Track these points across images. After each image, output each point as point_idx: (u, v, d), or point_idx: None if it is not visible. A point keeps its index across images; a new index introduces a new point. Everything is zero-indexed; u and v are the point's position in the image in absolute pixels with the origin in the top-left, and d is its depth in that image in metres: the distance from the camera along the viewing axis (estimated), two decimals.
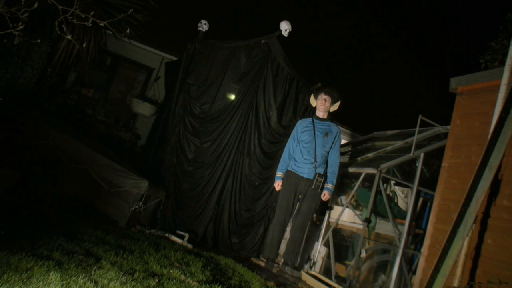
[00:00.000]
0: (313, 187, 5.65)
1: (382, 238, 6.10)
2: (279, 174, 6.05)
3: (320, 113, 6.04)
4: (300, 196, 5.91)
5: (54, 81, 7.58)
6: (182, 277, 3.82)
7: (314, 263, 6.07)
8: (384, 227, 5.88)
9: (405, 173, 6.36)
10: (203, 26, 7.74)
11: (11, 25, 3.13)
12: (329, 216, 6.26)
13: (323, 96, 5.99)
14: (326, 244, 6.07)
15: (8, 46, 6.07)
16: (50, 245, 3.61)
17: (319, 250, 6.08)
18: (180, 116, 7.39)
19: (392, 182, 6.53)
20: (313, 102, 6.22)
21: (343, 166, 6.41)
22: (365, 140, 8.34)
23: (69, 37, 3.73)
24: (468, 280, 4.09)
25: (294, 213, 5.98)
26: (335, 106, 6.02)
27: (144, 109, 9.03)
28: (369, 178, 5.99)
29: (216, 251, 6.35)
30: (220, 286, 3.87)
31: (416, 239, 5.97)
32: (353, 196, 6.13)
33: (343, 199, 6.49)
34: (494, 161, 3.92)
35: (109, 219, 5.90)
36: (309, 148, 5.84)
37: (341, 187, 6.95)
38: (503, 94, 4.28)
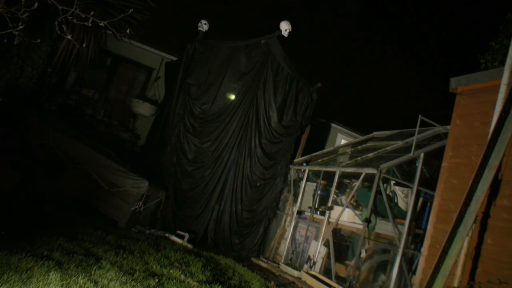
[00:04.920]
0: None
1: (382, 238, 6.09)
2: None
3: None
4: None
5: (54, 81, 7.57)
6: (182, 277, 3.82)
7: (314, 263, 6.07)
8: (384, 227, 5.87)
9: (405, 173, 6.36)
10: (203, 26, 7.74)
11: (11, 25, 3.13)
12: (329, 216, 6.26)
13: None
14: (326, 244, 6.07)
15: (8, 46, 6.06)
16: (50, 245, 3.61)
17: (319, 250, 6.08)
18: (180, 116, 7.39)
19: (392, 182, 6.53)
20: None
21: (343, 166, 6.42)
22: (365, 140, 8.34)
23: (69, 37, 3.73)
24: (468, 280, 4.09)
25: None
26: None
27: (144, 109, 9.03)
28: (369, 178, 5.99)
29: (216, 251, 6.35)
30: (220, 286, 3.87)
31: (416, 239, 5.96)
32: (353, 196, 6.13)
33: (343, 199, 6.49)
34: (494, 161, 3.92)
35: (109, 219, 5.89)
36: None
37: (341, 187, 6.95)
38: (503, 94, 4.28)
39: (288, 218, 7.44)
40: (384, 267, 5.95)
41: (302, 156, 8.04)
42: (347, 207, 6.07)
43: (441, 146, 5.79)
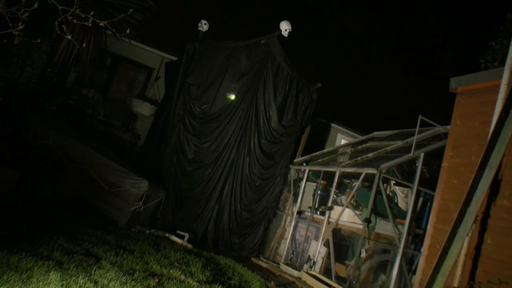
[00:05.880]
0: None
1: (382, 238, 6.09)
2: None
3: None
4: None
5: (54, 81, 7.56)
6: (182, 277, 3.82)
7: (314, 263, 6.07)
8: (384, 227, 5.87)
9: (405, 173, 6.36)
10: (203, 26, 7.74)
11: (11, 25, 3.13)
12: (329, 216, 6.26)
13: None
14: (326, 244, 6.07)
15: (8, 46, 6.06)
16: (50, 245, 3.61)
17: (319, 250, 6.08)
18: (180, 116, 7.39)
19: (392, 182, 6.52)
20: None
21: (343, 166, 6.41)
22: (365, 140, 8.33)
23: (69, 37, 3.73)
24: (468, 280, 4.09)
25: None
26: None
27: (144, 109, 9.03)
28: (369, 178, 5.99)
29: (216, 251, 6.35)
30: (220, 286, 3.87)
31: (416, 239, 5.96)
32: (353, 196, 6.13)
33: (343, 199, 6.49)
34: (494, 161, 3.92)
35: (109, 219, 5.89)
36: None
37: (341, 187, 6.95)
38: (503, 94, 4.28)
39: (288, 218, 7.44)
40: (384, 267, 5.95)
41: (302, 156, 8.03)
42: (347, 207, 6.07)
43: (441, 146, 5.79)
